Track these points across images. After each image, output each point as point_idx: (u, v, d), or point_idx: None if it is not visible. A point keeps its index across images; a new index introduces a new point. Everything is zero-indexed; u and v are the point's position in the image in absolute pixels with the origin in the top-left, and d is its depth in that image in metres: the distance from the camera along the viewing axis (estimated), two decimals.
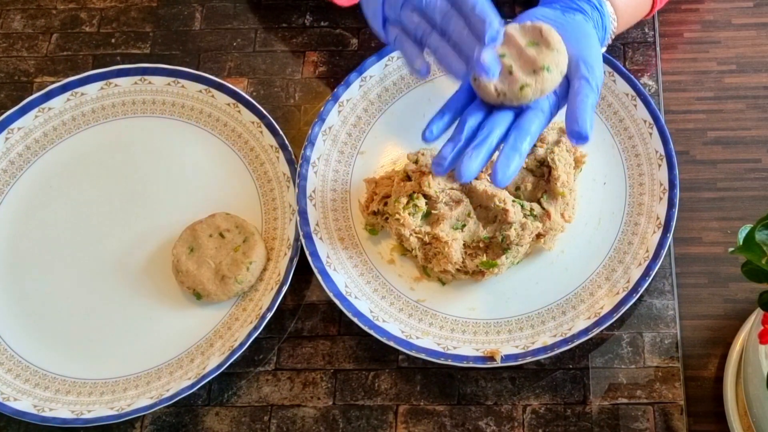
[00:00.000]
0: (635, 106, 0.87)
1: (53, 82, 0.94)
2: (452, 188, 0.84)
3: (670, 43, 0.94)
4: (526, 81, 0.71)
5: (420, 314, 0.82)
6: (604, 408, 0.78)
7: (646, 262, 0.80)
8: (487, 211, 0.83)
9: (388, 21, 0.75)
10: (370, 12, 0.76)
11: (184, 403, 0.81)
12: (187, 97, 0.93)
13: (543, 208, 0.83)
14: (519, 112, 0.73)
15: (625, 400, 0.78)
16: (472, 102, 0.75)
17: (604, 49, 0.81)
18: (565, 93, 0.73)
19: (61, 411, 0.80)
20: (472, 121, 0.73)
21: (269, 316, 0.81)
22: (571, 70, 0.73)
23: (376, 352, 0.82)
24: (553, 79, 0.71)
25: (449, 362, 0.78)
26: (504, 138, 0.72)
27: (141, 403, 0.79)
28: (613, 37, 0.82)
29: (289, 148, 0.89)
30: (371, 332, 0.80)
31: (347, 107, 0.90)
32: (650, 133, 0.86)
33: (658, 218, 0.83)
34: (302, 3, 0.99)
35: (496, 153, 0.73)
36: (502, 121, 0.72)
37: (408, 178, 0.85)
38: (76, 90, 0.94)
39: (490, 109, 0.74)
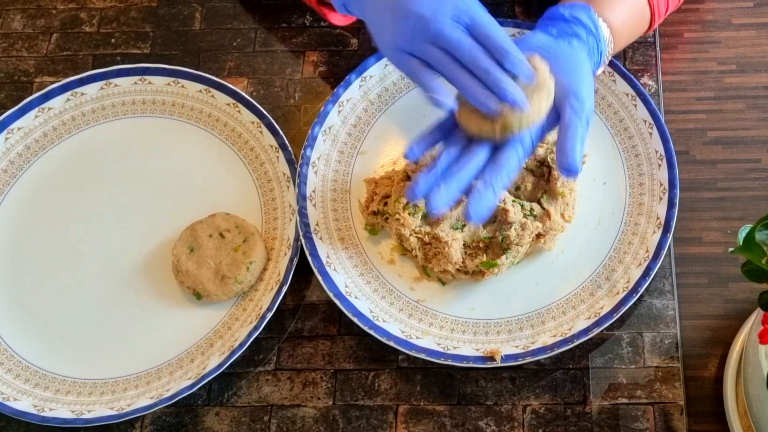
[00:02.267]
0: (635, 106, 0.87)
1: (53, 82, 0.94)
2: None
3: (670, 43, 0.94)
4: (508, 118, 0.70)
5: (420, 314, 0.82)
6: (604, 408, 0.78)
7: (646, 262, 0.81)
8: None
9: (404, 52, 0.73)
10: (386, 42, 0.74)
11: (184, 403, 0.81)
12: (187, 97, 0.93)
13: (543, 208, 0.83)
14: (497, 145, 0.72)
15: (625, 400, 0.78)
16: (455, 128, 0.74)
17: (600, 70, 0.80)
18: (551, 123, 0.73)
19: (61, 411, 0.80)
20: (451, 150, 0.73)
21: (269, 316, 0.81)
22: (561, 101, 0.72)
23: (376, 352, 0.82)
24: (534, 117, 0.71)
25: (449, 362, 0.78)
26: (480, 172, 0.72)
27: (141, 403, 0.79)
28: (609, 59, 0.82)
29: (289, 148, 0.89)
30: (371, 332, 0.80)
31: (347, 107, 0.90)
32: (650, 133, 0.86)
33: (658, 218, 0.83)
34: (302, 3, 0.99)
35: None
36: (477, 155, 0.72)
37: (408, 178, 0.85)
38: (76, 90, 0.94)
39: (470, 139, 0.73)
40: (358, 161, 0.89)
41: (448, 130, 0.74)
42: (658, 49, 0.93)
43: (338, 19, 0.92)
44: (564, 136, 0.71)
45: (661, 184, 0.84)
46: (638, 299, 0.80)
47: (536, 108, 0.71)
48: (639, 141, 0.87)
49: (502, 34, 0.70)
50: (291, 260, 0.83)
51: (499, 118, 0.70)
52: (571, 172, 0.71)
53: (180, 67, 0.94)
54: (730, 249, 0.61)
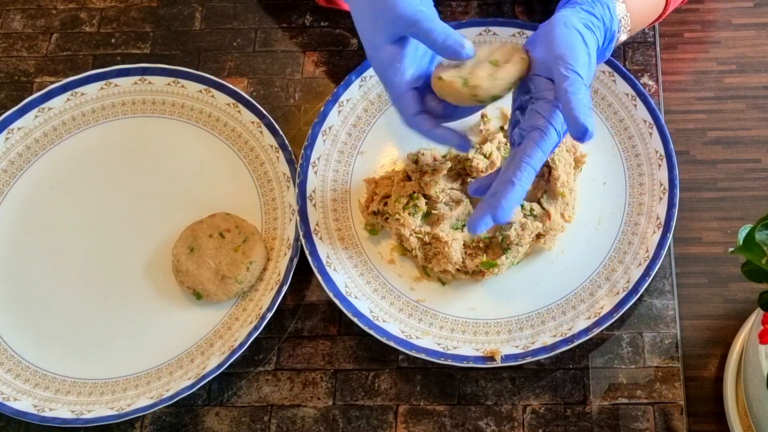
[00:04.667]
0: (635, 106, 0.87)
1: (53, 82, 0.94)
2: (452, 188, 0.84)
3: (670, 43, 0.94)
4: (474, 80, 0.70)
5: (420, 314, 0.82)
6: (604, 408, 0.78)
7: (646, 262, 0.81)
8: None
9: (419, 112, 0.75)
10: (405, 107, 0.75)
11: (184, 403, 0.81)
12: (187, 97, 0.93)
13: (543, 208, 0.83)
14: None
15: (625, 400, 0.78)
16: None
17: (613, 46, 0.77)
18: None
19: (61, 411, 0.80)
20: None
21: (269, 316, 0.81)
22: (552, 72, 0.70)
23: (376, 352, 0.82)
24: (501, 81, 0.70)
25: (449, 362, 0.78)
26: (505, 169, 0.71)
27: (141, 403, 0.79)
28: (623, 35, 0.78)
29: (289, 148, 0.89)
30: (371, 332, 0.80)
31: (347, 107, 0.90)
32: (650, 133, 0.86)
33: (658, 218, 0.83)
34: (302, 3, 0.99)
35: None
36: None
37: (408, 178, 0.85)
38: (76, 90, 0.94)
39: None
40: (358, 161, 0.89)
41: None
42: (658, 49, 0.93)
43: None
44: (565, 100, 0.68)
45: (661, 184, 0.84)
46: (638, 299, 0.80)
47: (504, 72, 0.70)
48: (639, 141, 0.87)
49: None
50: (291, 260, 0.83)
51: (468, 81, 0.70)
52: (581, 132, 0.67)
53: (180, 67, 0.94)
54: (730, 249, 0.61)
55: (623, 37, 0.78)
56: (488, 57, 0.72)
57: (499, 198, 0.69)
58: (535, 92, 0.72)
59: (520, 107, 0.74)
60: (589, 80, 0.71)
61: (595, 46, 0.73)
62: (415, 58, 0.74)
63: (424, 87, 0.74)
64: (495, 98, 0.71)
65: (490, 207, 0.70)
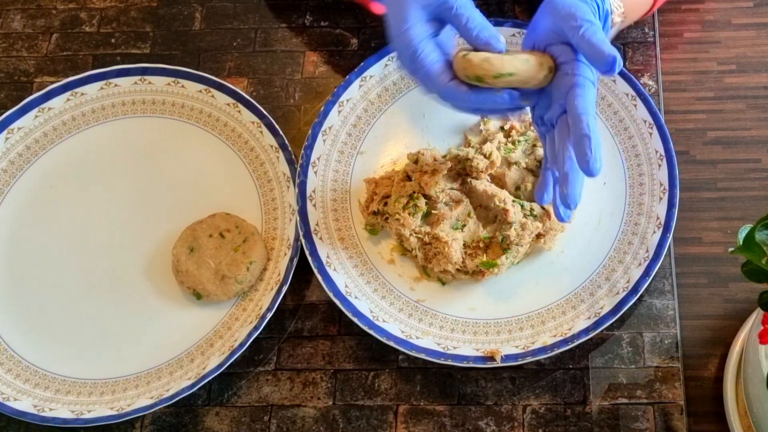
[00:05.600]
0: (635, 106, 0.87)
1: (53, 82, 0.94)
2: (452, 188, 0.84)
3: (670, 43, 0.94)
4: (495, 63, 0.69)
5: (420, 314, 0.82)
6: (604, 408, 0.78)
7: (646, 262, 0.81)
8: (487, 211, 0.83)
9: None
10: (438, 77, 0.73)
11: (184, 403, 0.81)
12: (187, 97, 0.93)
13: (543, 208, 0.83)
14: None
15: (625, 400, 0.78)
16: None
17: (609, 26, 0.77)
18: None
19: (61, 411, 0.80)
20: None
21: (269, 316, 0.81)
22: (565, 32, 0.70)
23: (376, 352, 0.82)
24: (522, 72, 0.70)
25: (449, 362, 0.78)
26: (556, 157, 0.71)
27: (141, 403, 0.79)
28: (618, 24, 0.79)
29: (289, 148, 0.89)
30: (371, 332, 0.80)
31: (347, 107, 0.90)
32: (650, 133, 0.86)
33: (658, 218, 0.83)
34: (302, 3, 0.99)
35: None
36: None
37: (408, 178, 0.85)
38: (76, 90, 0.94)
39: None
40: (358, 161, 0.89)
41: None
42: (658, 49, 0.93)
43: (377, 7, 0.91)
44: (584, 45, 0.68)
45: (661, 184, 0.84)
46: (638, 299, 0.80)
47: (532, 59, 0.70)
48: (639, 141, 0.87)
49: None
50: (291, 260, 0.83)
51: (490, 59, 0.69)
52: (612, 62, 0.67)
53: (180, 67, 0.94)
54: (730, 249, 0.61)
55: (617, 19, 0.78)
56: (517, 54, 0.71)
57: (584, 149, 0.67)
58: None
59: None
60: (599, 20, 0.71)
61: (595, 11, 0.73)
62: (443, 41, 0.73)
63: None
64: (518, 80, 0.70)
65: (575, 166, 0.68)
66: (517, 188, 0.84)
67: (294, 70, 0.96)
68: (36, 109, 0.93)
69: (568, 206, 0.70)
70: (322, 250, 0.84)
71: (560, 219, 0.72)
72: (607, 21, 0.75)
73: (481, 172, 0.83)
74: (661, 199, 0.83)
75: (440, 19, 0.72)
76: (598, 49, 0.67)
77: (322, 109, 0.90)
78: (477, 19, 0.70)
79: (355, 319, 0.80)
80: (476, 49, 0.70)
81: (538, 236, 0.82)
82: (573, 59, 0.70)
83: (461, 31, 0.71)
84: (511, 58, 0.70)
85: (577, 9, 0.70)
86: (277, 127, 0.90)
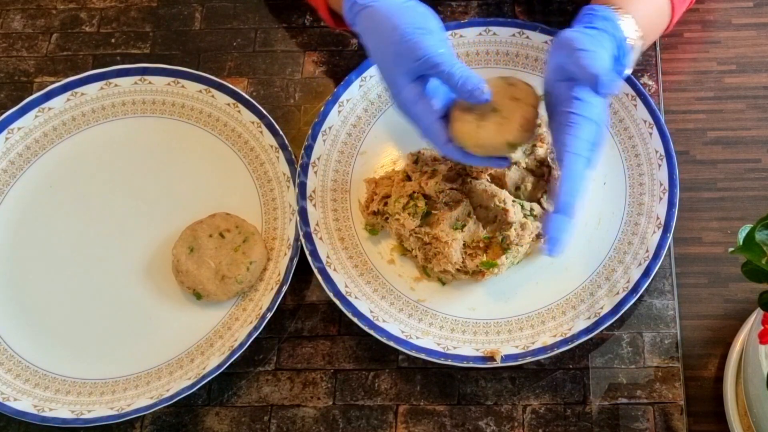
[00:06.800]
0: (635, 106, 0.87)
1: (53, 82, 0.94)
2: (452, 188, 0.84)
3: (670, 43, 0.94)
4: (487, 132, 0.73)
5: (420, 314, 0.82)
6: (604, 408, 0.78)
7: (646, 262, 0.81)
8: (487, 211, 0.83)
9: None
10: (437, 137, 0.77)
11: (184, 403, 0.81)
12: (187, 97, 0.93)
13: (543, 208, 0.83)
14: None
15: (625, 400, 0.78)
16: None
17: (629, 71, 0.79)
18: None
19: (61, 411, 0.80)
20: None
21: (269, 316, 0.81)
22: (564, 64, 0.72)
23: (376, 352, 0.82)
24: (513, 131, 0.73)
25: (449, 362, 0.78)
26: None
27: (141, 403, 0.79)
28: (637, 50, 0.79)
29: (289, 148, 0.89)
30: (371, 332, 0.80)
31: (347, 107, 0.90)
32: (650, 133, 0.86)
33: (658, 218, 0.83)
34: (302, 3, 0.99)
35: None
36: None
37: (408, 178, 0.85)
38: (76, 90, 0.94)
39: None
40: (358, 161, 0.89)
41: None
42: (658, 49, 0.93)
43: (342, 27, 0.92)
44: (575, 70, 0.71)
45: (661, 184, 0.84)
46: (638, 299, 0.80)
47: (514, 121, 0.73)
48: (639, 141, 0.87)
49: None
50: (291, 260, 0.83)
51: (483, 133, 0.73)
52: (594, 85, 0.70)
53: (180, 67, 0.94)
54: (730, 249, 0.61)
55: (637, 43, 0.78)
56: (502, 99, 0.74)
57: (557, 189, 0.71)
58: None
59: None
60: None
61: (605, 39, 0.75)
62: (437, 91, 0.76)
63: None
64: (502, 151, 0.75)
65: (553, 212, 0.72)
66: (517, 188, 0.84)
67: (294, 70, 0.96)
68: (36, 109, 0.93)
69: (550, 251, 0.72)
70: (322, 250, 0.84)
71: (547, 252, 0.73)
72: (622, 46, 0.76)
73: (481, 172, 0.83)
74: (661, 199, 0.83)
75: (426, 75, 0.75)
76: (585, 70, 0.70)
77: (322, 109, 0.90)
78: (457, 73, 0.73)
79: (355, 319, 0.80)
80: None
81: (538, 236, 0.82)
82: (569, 97, 0.72)
83: (446, 84, 0.74)
84: (494, 133, 0.73)
85: (574, 40, 0.72)
86: (277, 127, 0.90)
